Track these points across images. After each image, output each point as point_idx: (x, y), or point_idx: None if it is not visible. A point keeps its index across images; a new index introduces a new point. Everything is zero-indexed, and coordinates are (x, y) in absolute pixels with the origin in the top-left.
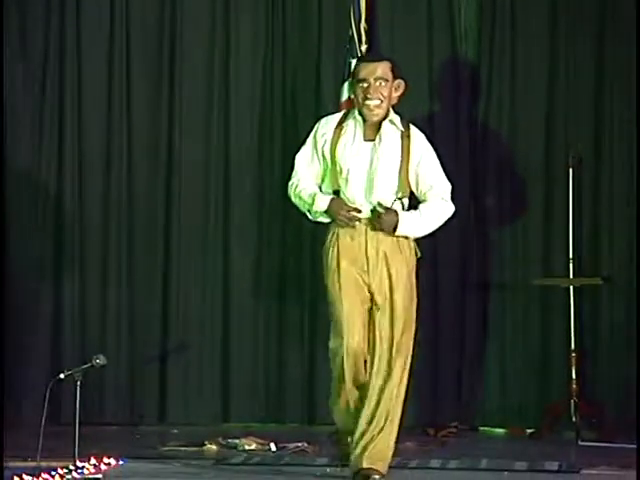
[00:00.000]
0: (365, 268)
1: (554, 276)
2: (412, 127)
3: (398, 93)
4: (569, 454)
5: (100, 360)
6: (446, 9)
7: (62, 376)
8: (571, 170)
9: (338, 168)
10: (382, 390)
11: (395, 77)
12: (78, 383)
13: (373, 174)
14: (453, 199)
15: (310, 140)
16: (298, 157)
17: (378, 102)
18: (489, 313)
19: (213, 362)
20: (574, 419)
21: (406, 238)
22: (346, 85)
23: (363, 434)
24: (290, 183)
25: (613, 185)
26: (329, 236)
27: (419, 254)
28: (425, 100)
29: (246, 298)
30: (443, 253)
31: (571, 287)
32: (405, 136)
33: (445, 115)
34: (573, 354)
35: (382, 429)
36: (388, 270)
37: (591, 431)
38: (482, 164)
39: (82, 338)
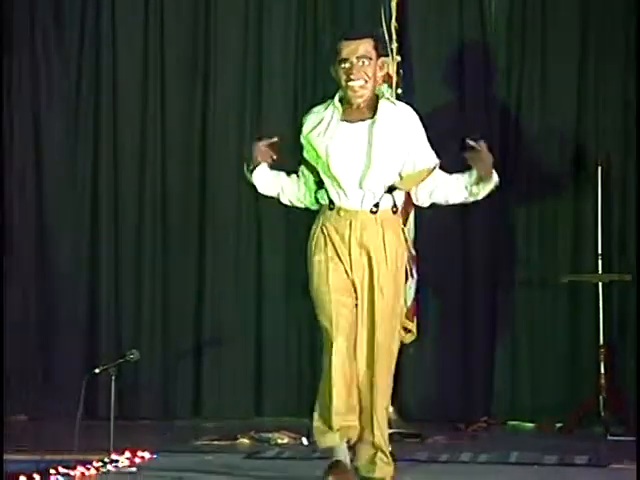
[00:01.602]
0: (348, 261)
1: (583, 273)
2: (406, 106)
3: (383, 72)
4: (598, 448)
5: (134, 355)
6: (477, 6)
7: (97, 371)
8: (600, 168)
9: (318, 156)
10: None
11: (379, 55)
12: (113, 378)
13: (363, 157)
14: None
15: (301, 140)
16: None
17: (362, 82)
18: (519, 309)
19: (246, 357)
20: (603, 414)
21: (392, 232)
22: None
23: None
24: None
25: None
26: (313, 229)
27: (409, 241)
28: (455, 95)
29: (279, 294)
30: (473, 251)
31: (600, 283)
32: (403, 114)
33: (476, 111)
34: (602, 350)
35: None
36: (370, 265)
37: (619, 426)
38: (512, 160)
39: (117, 334)
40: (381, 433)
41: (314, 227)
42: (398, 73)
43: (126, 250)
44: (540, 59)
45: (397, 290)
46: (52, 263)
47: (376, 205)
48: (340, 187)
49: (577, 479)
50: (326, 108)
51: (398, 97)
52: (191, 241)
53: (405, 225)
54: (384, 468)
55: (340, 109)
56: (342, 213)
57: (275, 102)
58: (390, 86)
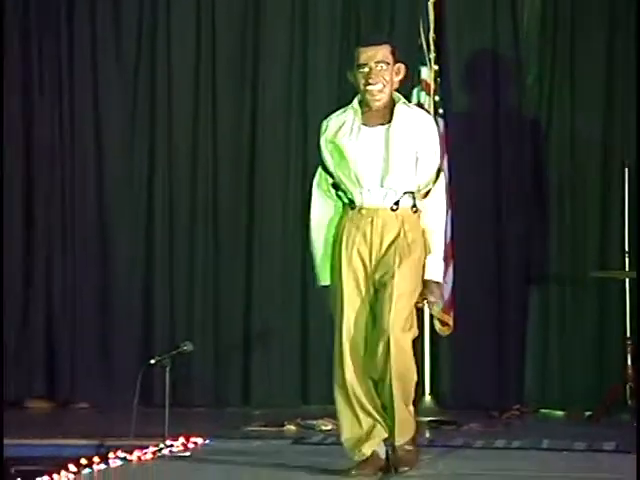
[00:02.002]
0: (369, 259)
1: (611, 269)
2: (421, 110)
3: (399, 77)
4: (625, 435)
5: (187, 347)
6: (510, 18)
7: (153, 361)
8: (627, 169)
9: (340, 158)
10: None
11: (396, 61)
12: (167, 368)
13: (382, 159)
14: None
15: (320, 144)
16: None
17: (380, 87)
18: (550, 303)
19: (293, 348)
20: (629, 403)
21: (412, 229)
22: (415, 90)
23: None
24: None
25: None
26: (335, 228)
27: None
28: (490, 105)
29: (322, 288)
30: (507, 248)
31: (627, 279)
32: (418, 118)
33: (509, 115)
34: (628, 342)
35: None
36: (392, 260)
37: None
38: (544, 162)
39: (171, 327)
40: (401, 420)
41: (337, 226)
42: (435, 81)
43: (179, 248)
44: (569, 64)
45: (415, 284)
46: (110, 261)
47: (396, 203)
48: (362, 187)
49: (605, 465)
50: (345, 112)
51: (435, 104)
52: (240, 239)
53: None
54: (407, 458)
55: (360, 113)
56: (364, 212)
57: (320, 104)
58: (428, 94)
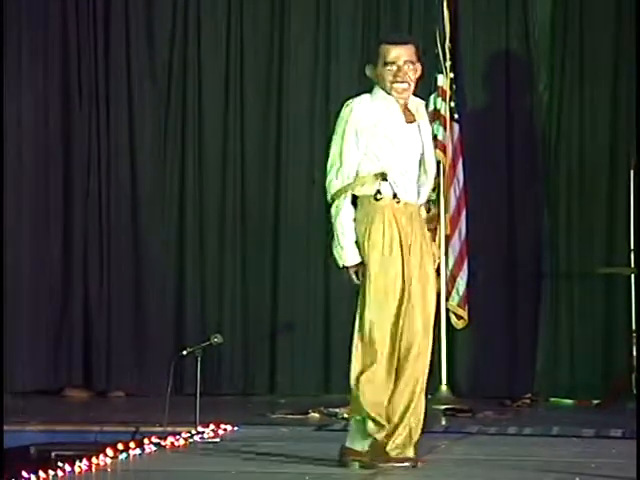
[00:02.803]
0: (401, 257)
1: (617, 265)
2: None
3: (417, 75)
4: (631, 423)
5: (217, 339)
6: (522, 26)
7: (184, 353)
8: (632, 171)
9: (382, 149)
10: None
11: (418, 58)
12: (198, 359)
13: (423, 157)
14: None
15: (349, 128)
16: (344, 149)
17: (407, 85)
18: (560, 298)
19: (316, 339)
20: (635, 391)
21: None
22: (432, 97)
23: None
24: (334, 182)
25: None
26: (372, 213)
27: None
28: (503, 110)
29: (345, 282)
30: (519, 247)
31: (632, 275)
32: (424, 110)
33: (521, 118)
34: (634, 334)
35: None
36: (417, 257)
37: None
38: (554, 163)
39: (202, 320)
40: (416, 416)
41: (372, 216)
42: (451, 88)
43: (210, 246)
44: (578, 68)
45: (434, 278)
46: (143, 258)
47: (427, 201)
48: (404, 180)
49: (612, 451)
50: (380, 101)
51: (451, 110)
52: (267, 237)
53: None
54: (410, 449)
55: (399, 109)
56: (401, 205)
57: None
58: (444, 100)
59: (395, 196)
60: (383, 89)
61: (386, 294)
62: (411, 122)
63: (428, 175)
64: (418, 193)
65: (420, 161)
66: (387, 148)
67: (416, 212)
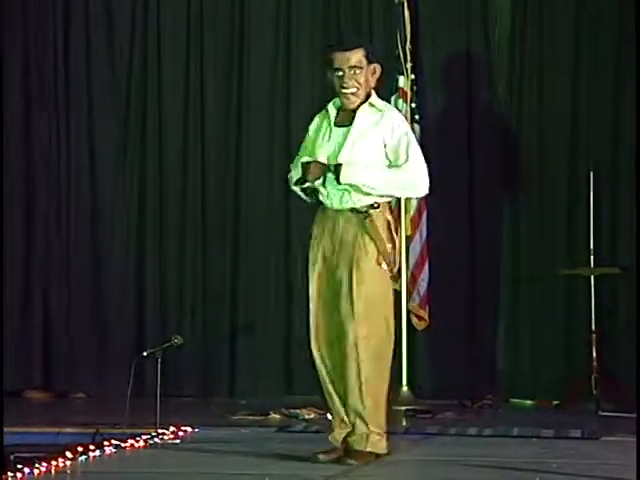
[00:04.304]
0: (333, 253)
1: (577, 266)
2: (392, 108)
3: (375, 77)
4: (590, 423)
5: (178, 340)
6: (481, 27)
7: (145, 354)
8: (592, 172)
9: (314, 156)
10: (357, 377)
11: (370, 62)
12: (159, 360)
13: (341, 158)
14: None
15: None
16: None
17: (354, 90)
18: (520, 299)
19: (277, 340)
20: (594, 392)
21: (369, 233)
22: (393, 98)
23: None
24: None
25: (631, 184)
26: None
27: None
28: (463, 110)
29: (306, 283)
30: (479, 248)
31: (592, 276)
32: (383, 116)
33: (480, 119)
34: (594, 335)
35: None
36: (354, 256)
37: (609, 403)
38: (513, 165)
39: (162, 322)
40: (373, 406)
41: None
42: (412, 89)
43: (170, 248)
44: (537, 70)
45: (381, 274)
46: (103, 260)
47: (354, 204)
48: (325, 187)
49: (571, 451)
50: (325, 113)
51: (412, 111)
52: (227, 239)
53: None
54: (377, 443)
55: (335, 113)
56: (328, 212)
57: (303, 104)
58: (405, 101)
59: (320, 202)
60: (337, 94)
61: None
62: (344, 125)
63: (349, 175)
64: (342, 196)
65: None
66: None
67: (347, 217)
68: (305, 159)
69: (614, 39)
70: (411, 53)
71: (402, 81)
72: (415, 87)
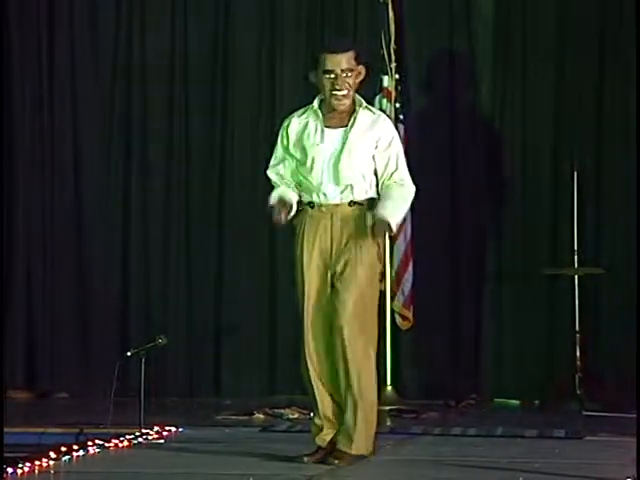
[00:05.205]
0: (329, 254)
1: (561, 266)
2: (382, 114)
3: (360, 79)
4: (574, 423)
5: (162, 340)
6: (465, 28)
7: (129, 354)
8: (576, 173)
9: (302, 158)
10: (346, 373)
11: (358, 64)
12: (143, 360)
13: (340, 159)
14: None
15: (279, 139)
16: (274, 155)
17: (346, 92)
18: (504, 299)
19: (261, 340)
20: (578, 392)
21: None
22: (377, 98)
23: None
24: (269, 171)
25: (614, 184)
26: (298, 223)
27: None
28: (447, 111)
29: (290, 279)
30: (462, 247)
31: (576, 276)
32: (378, 120)
33: (464, 120)
34: (577, 335)
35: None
36: (351, 254)
37: (593, 402)
38: (497, 165)
39: (146, 321)
40: (363, 413)
41: (298, 219)
42: (396, 89)
43: (154, 247)
44: (521, 71)
45: (374, 275)
46: (87, 259)
47: (353, 201)
48: (320, 188)
49: (555, 451)
50: (306, 113)
51: (396, 111)
52: (211, 238)
53: None
54: (361, 444)
55: (322, 115)
56: (323, 209)
57: (287, 105)
58: (389, 101)
59: (311, 202)
60: (325, 96)
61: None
62: (342, 127)
63: (350, 176)
64: (342, 193)
65: (334, 164)
66: (301, 158)
67: (345, 212)
68: (273, 201)
69: (597, 41)
70: (395, 53)
71: (386, 81)
72: (399, 87)
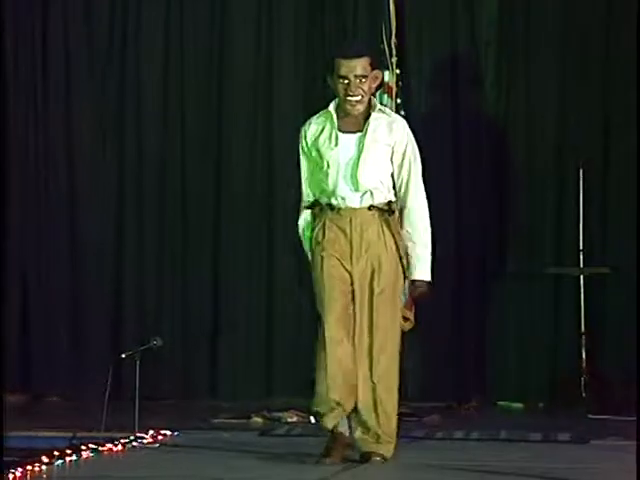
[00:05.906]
0: (349, 257)
1: (566, 266)
2: (398, 117)
3: (376, 84)
4: (579, 426)
5: (157, 342)
6: (468, 23)
7: (123, 356)
8: (581, 170)
9: (319, 162)
10: (369, 378)
11: (373, 69)
12: (137, 362)
13: (358, 166)
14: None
15: (300, 153)
16: (301, 169)
17: (359, 98)
18: (507, 299)
19: (259, 342)
20: (584, 395)
21: (390, 229)
22: (378, 93)
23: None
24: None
25: (620, 183)
26: (316, 227)
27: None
28: (449, 106)
29: (288, 280)
30: (466, 247)
31: (581, 276)
32: (392, 126)
33: (467, 117)
34: (583, 336)
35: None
36: (371, 259)
37: (599, 406)
38: (501, 163)
39: (141, 323)
40: (387, 421)
41: (316, 223)
42: (397, 85)
43: (148, 247)
44: (525, 67)
45: (397, 278)
46: (81, 261)
47: (372, 205)
48: (337, 193)
49: (560, 455)
50: (321, 117)
51: (397, 106)
52: (208, 238)
53: None
54: (384, 446)
55: (336, 119)
56: (342, 212)
57: (285, 103)
58: (390, 97)
59: (330, 205)
60: (340, 101)
61: None
62: (357, 132)
63: (367, 180)
64: (360, 198)
65: (360, 169)
66: (318, 163)
67: (364, 215)
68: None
69: (603, 37)
70: (396, 47)
71: (387, 76)
72: (400, 82)
